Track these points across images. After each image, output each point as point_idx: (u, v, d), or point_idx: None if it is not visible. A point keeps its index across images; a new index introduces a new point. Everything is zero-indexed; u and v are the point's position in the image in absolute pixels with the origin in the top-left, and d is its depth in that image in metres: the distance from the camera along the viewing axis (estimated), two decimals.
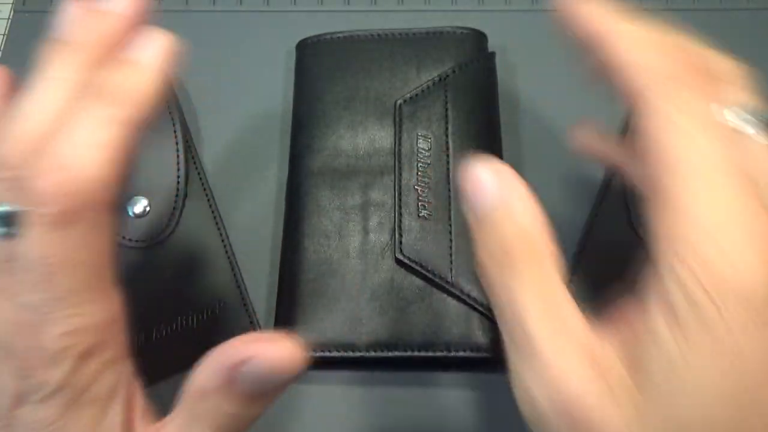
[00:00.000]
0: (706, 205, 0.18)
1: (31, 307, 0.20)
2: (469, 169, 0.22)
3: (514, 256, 0.21)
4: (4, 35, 0.44)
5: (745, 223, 0.18)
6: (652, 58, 0.21)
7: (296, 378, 0.22)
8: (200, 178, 0.38)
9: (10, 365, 0.21)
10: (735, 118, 0.20)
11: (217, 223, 0.37)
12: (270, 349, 0.21)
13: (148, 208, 0.36)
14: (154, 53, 0.23)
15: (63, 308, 0.20)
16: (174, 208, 0.36)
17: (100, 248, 0.21)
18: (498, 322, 0.21)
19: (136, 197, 0.36)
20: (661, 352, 0.18)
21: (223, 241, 0.37)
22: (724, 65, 0.22)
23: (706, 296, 0.17)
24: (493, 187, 0.21)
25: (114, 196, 0.21)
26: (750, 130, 0.20)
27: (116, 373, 0.22)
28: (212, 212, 0.37)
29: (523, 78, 0.42)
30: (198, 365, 0.22)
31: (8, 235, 0.20)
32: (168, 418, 0.23)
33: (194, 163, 0.38)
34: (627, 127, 0.38)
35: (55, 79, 0.22)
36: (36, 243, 0.20)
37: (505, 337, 0.21)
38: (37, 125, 0.21)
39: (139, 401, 0.23)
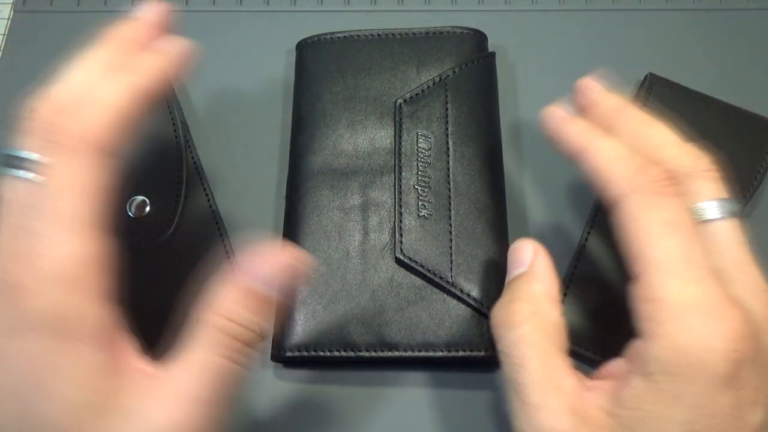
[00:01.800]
0: (675, 297, 0.23)
1: (33, 233, 0.23)
2: (516, 242, 0.29)
3: (522, 319, 0.26)
4: (4, 35, 0.44)
5: (707, 309, 0.22)
6: (623, 172, 0.25)
7: (300, 283, 0.26)
8: (200, 178, 0.38)
9: (1, 297, 0.23)
10: (699, 214, 0.26)
11: (217, 223, 0.37)
12: (274, 254, 0.25)
13: (148, 208, 0.36)
14: (169, 46, 0.28)
15: (61, 232, 0.23)
16: (174, 208, 0.36)
17: (101, 187, 0.24)
18: (502, 366, 0.26)
19: (136, 197, 0.36)
20: (639, 409, 0.23)
21: (223, 241, 0.37)
22: (690, 161, 0.27)
23: (677, 369, 0.22)
24: (528, 254, 0.28)
25: (119, 148, 0.25)
26: (712, 216, 0.26)
27: (100, 313, 0.24)
28: (212, 212, 0.37)
29: (523, 78, 0.42)
30: (208, 292, 0.25)
31: (33, 180, 0.23)
32: (177, 351, 0.24)
33: (194, 162, 0.38)
34: None
35: (90, 58, 0.27)
36: (51, 171, 0.23)
37: (507, 382, 0.26)
38: (69, 90, 0.25)
39: (130, 344, 0.25)
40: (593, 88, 0.31)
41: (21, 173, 0.24)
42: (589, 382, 0.25)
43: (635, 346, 0.24)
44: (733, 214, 0.26)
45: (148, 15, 0.29)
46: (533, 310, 0.26)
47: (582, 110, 0.30)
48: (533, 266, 0.28)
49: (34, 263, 0.23)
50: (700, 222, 0.25)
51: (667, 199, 0.24)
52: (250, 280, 0.25)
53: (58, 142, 0.24)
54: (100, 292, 0.24)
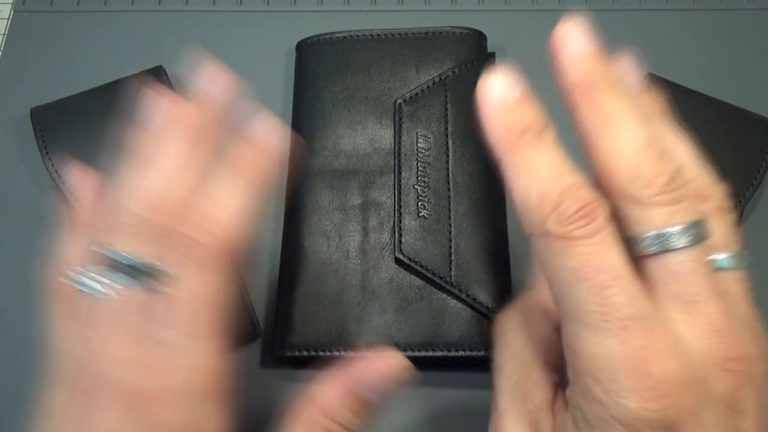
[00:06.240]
0: (590, 350, 0.21)
1: (166, 344, 0.23)
2: None
3: (511, 328, 0.26)
4: (4, 35, 0.44)
5: (623, 365, 0.20)
6: (535, 208, 0.22)
7: (399, 389, 0.26)
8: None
9: (125, 405, 0.22)
10: (641, 247, 0.22)
11: None
12: (381, 362, 0.25)
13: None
14: (271, 136, 0.26)
15: (195, 345, 0.23)
16: None
17: (228, 297, 0.24)
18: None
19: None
20: None
21: None
22: (648, 182, 0.22)
23: (596, 421, 0.21)
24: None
25: (242, 255, 0.25)
26: (656, 249, 0.21)
27: (224, 421, 0.24)
28: None
29: (523, 78, 0.42)
30: (315, 388, 0.25)
31: (150, 288, 0.23)
32: None
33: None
34: None
35: (177, 152, 0.25)
36: (187, 283, 0.23)
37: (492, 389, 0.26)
38: (175, 191, 0.24)
39: None
40: (570, 42, 0.24)
41: (142, 283, 0.23)
42: (560, 405, 0.24)
43: (570, 402, 0.23)
44: (693, 242, 0.21)
45: (216, 90, 0.27)
46: (522, 320, 0.26)
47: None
48: (536, 279, 0.27)
49: (165, 374, 0.22)
50: (645, 256, 0.22)
51: (576, 244, 0.21)
52: (359, 385, 0.25)
53: (187, 255, 0.23)
54: (224, 401, 0.24)
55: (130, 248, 0.23)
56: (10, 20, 0.44)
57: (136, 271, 0.23)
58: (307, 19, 0.44)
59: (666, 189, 0.21)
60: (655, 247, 0.21)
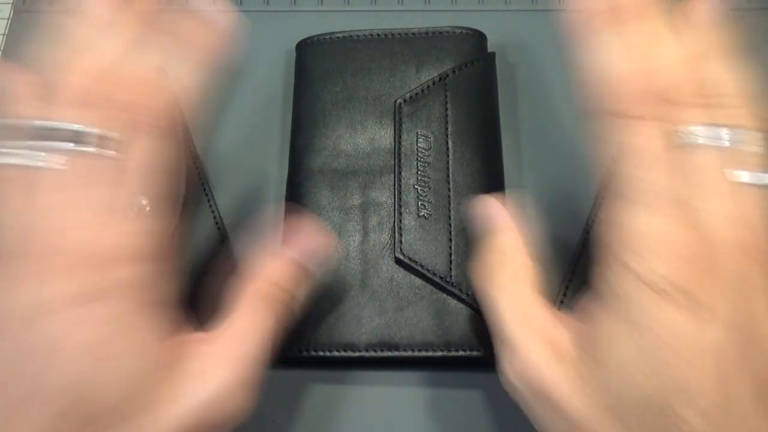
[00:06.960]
0: (631, 224, 0.23)
1: (117, 208, 0.23)
2: (475, 204, 0.31)
3: (492, 268, 0.28)
4: (4, 35, 0.44)
5: (658, 237, 0.23)
6: (608, 85, 0.25)
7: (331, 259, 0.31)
8: (200, 178, 0.38)
9: (76, 269, 0.22)
10: (680, 138, 0.24)
11: (217, 223, 0.37)
12: (314, 237, 0.29)
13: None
14: (216, 18, 0.28)
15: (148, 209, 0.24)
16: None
17: (176, 166, 0.26)
18: (486, 322, 0.28)
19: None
20: (597, 335, 0.24)
21: (223, 241, 0.37)
22: (691, 86, 0.25)
23: (622, 290, 0.23)
24: (490, 211, 0.30)
25: (193, 127, 0.27)
26: (692, 141, 0.24)
27: (169, 284, 0.25)
28: (212, 212, 0.37)
29: (523, 78, 0.42)
30: (258, 264, 0.28)
31: (97, 155, 0.24)
32: (225, 323, 0.26)
33: (194, 163, 0.38)
34: None
35: (123, 31, 0.26)
36: (137, 148, 0.24)
37: (491, 333, 0.27)
38: (119, 58, 0.25)
39: (182, 316, 0.26)
40: None
41: (93, 150, 0.23)
42: (563, 317, 0.26)
43: (595, 285, 0.25)
44: (714, 141, 0.24)
45: None
46: (500, 259, 0.28)
47: None
48: (496, 222, 0.30)
49: (120, 236, 0.23)
50: (680, 146, 0.24)
51: (630, 123, 0.24)
52: (294, 253, 0.28)
53: (136, 120, 0.24)
54: (171, 266, 0.25)
55: (71, 116, 0.24)
56: (10, 20, 0.44)
57: (80, 138, 0.23)
58: (307, 19, 0.44)
59: (694, 94, 0.25)
60: (682, 140, 0.24)
